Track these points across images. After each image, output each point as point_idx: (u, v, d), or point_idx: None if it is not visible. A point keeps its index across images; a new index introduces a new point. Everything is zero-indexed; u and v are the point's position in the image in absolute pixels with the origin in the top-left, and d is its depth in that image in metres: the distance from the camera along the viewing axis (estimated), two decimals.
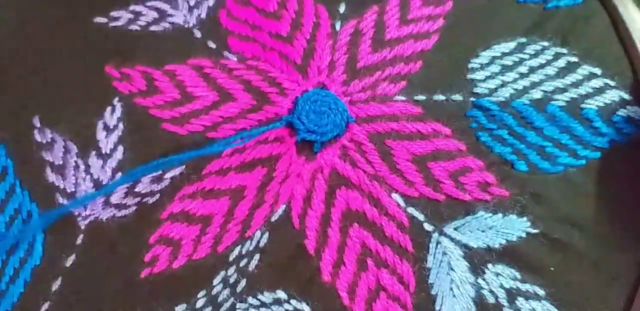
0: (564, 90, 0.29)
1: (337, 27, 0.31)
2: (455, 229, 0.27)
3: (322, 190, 0.28)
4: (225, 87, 0.30)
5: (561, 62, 0.30)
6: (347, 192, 0.28)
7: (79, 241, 0.28)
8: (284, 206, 0.28)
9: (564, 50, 0.30)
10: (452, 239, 0.27)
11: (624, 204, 0.27)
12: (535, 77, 0.29)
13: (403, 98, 0.29)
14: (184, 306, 0.26)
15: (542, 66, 0.29)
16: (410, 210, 0.28)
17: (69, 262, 0.27)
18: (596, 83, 0.29)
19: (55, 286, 0.27)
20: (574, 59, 0.29)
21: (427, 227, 0.27)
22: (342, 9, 0.32)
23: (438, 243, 0.27)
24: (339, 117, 0.28)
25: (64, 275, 0.27)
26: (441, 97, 0.29)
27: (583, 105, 0.29)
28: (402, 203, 0.28)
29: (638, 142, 0.28)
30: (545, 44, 0.30)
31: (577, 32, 0.30)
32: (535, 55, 0.30)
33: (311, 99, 0.29)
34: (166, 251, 0.27)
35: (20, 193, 0.28)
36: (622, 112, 0.29)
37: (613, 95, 0.29)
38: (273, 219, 0.28)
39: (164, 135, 0.29)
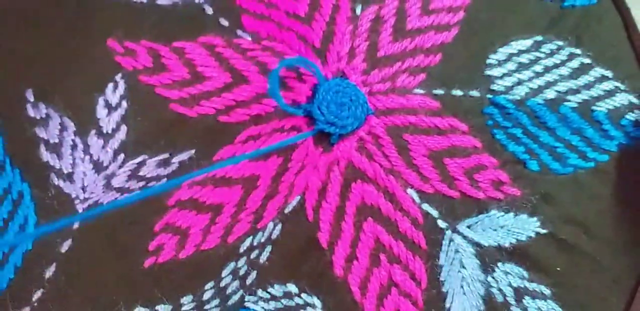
0: (576, 91, 0.29)
1: (358, 11, 0.29)
2: (469, 227, 0.27)
3: (338, 183, 0.27)
4: (239, 69, 0.28)
5: (575, 63, 0.29)
6: (362, 186, 0.27)
7: (75, 225, 0.26)
8: (299, 197, 0.27)
9: (578, 51, 0.29)
10: (464, 237, 0.27)
11: (631, 208, 0.27)
12: (549, 77, 0.29)
13: (422, 91, 0.29)
14: (190, 297, 0.25)
15: (556, 66, 0.29)
16: (425, 206, 0.27)
17: (64, 248, 0.25)
18: (607, 86, 0.29)
19: (49, 273, 0.25)
20: (588, 61, 0.29)
21: (441, 224, 0.27)
22: None
23: (451, 240, 0.27)
24: (360, 109, 0.27)
25: (59, 261, 0.25)
26: (459, 93, 0.28)
27: (594, 108, 0.29)
28: (417, 199, 0.27)
29: None
30: (561, 43, 0.30)
31: (591, 32, 0.30)
32: (551, 54, 0.29)
33: (333, 90, 0.27)
34: (172, 240, 0.26)
35: (11, 172, 0.26)
36: (630, 116, 0.29)
37: (622, 99, 0.29)
38: (286, 211, 0.27)
39: (173, 116, 0.27)
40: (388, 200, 0.27)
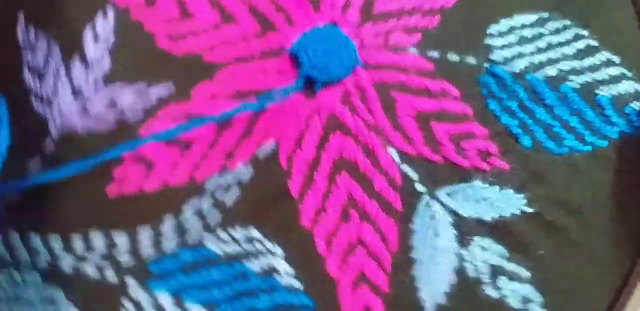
0: (579, 72, 0.27)
1: None
2: (448, 194, 0.26)
3: (316, 133, 0.26)
4: (227, 7, 0.27)
5: (581, 44, 0.28)
6: (341, 138, 0.26)
7: (49, 149, 0.25)
8: (273, 143, 0.26)
9: (585, 33, 0.28)
10: (443, 204, 0.25)
11: (626, 197, 0.26)
12: (552, 54, 0.27)
13: (416, 51, 0.27)
14: (147, 227, 0.24)
15: (561, 44, 0.27)
16: (405, 167, 0.26)
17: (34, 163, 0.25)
18: (613, 71, 0.27)
19: None
20: (594, 43, 0.27)
21: (419, 187, 0.26)
22: None
23: (428, 205, 0.25)
24: (348, 59, 0.26)
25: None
26: (455, 58, 0.27)
27: (597, 91, 0.27)
28: (397, 159, 0.26)
29: None
30: (568, 22, 0.28)
31: (601, 16, 0.28)
32: (556, 32, 0.28)
33: (321, 35, 0.26)
34: (139, 170, 0.25)
35: None
36: (635, 105, 0.27)
37: (628, 87, 0.27)
38: (259, 155, 0.25)
39: (158, 53, 0.26)
40: (366, 156, 0.26)
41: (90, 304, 0.24)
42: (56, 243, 0.24)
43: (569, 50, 0.28)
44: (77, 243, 0.24)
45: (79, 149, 0.25)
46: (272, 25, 0.27)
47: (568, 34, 0.28)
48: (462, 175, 0.26)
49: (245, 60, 0.26)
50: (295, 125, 0.26)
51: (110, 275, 0.24)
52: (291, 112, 0.26)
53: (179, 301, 0.24)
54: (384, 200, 0.25)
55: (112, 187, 0.25)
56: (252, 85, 0.26)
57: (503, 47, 0.28)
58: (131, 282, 0.24)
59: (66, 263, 0.24)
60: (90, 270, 0.24)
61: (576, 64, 0.27)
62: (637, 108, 0.27)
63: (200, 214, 0.25)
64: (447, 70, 0.27)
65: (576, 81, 0.27)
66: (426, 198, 0.25)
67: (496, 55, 0.27)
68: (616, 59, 0.27)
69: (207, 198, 0.25)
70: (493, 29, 0.28)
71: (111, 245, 0.24)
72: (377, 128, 0.26)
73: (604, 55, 0.28)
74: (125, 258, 0.24)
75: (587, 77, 0.27)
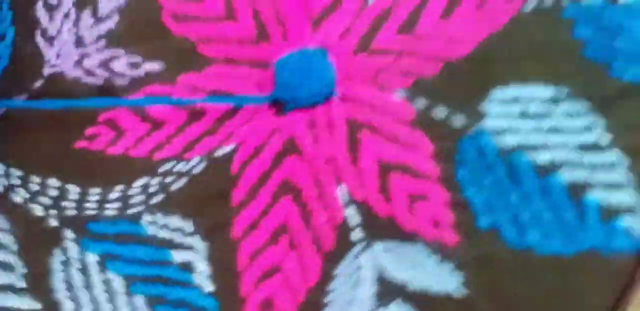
0: (577, 167, 0.23)
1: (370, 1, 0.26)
2: (384, 250, 0.24)
3: (274, 150, 0.25)
4: (235, 3, 0.26)
5: (591, 137, 0.24)
6: (296, 163, 0.25)
7: (36, 84, 0.27)
8: (233, 146, 0.25)
9: (601, 124, 0.23)
10: (374, 258, 0.24)
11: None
12: (553, 139, 0.24)
13: (403, 96, 0.25)
14: (98, 190, 0.25)
15: (567, 131, 0.24)
16: (350, 210, 0.24)
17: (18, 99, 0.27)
18: (616, 176, 0.23)
19: None
20: (607, 139, 0.23)
21: (357, 234, 0.24)
22: None
23: (359, 254, 0.24)
24: (323, 87, 0.25)
25: (9, 111, 0.27)
26: (442, 113, 0.24)
27: (588, 193, 0.23)
28: (344, 199, 0.24)
29: None
30: (586, 108, 0.24)
31: (625, 109, 0.24)
32: (569, 115, 0.24)
33: (306, 58, 0.25)
34: (108, 135, 0.26)
35: (5, 11, 0.27)
36: (626, 220, 0.23)
37: (626, 197, 0.23)
38: (216, 154, 0.25)
39: (159, 27, 0.26)
40: (315, 187, 0.24)
41: (28, 242, 0.25)
42: (16, 175, 0.26)
43: (575, 139, 0.24)
44: (34, 181, 0.26)
45: (62, 93, 0.26)
46: (267, 36, 0.26)
47: (581, 122, 0.24)
48: (405, 235, 0.24)
49: (234, 63, 0.26)
50: (258, 136, 0.25)
51: (53, 221, 0.25)
52: (258, 123, 0.25)
53: (102, 266, 0.24)
54: (318, 235, 0.24)
55: (81, 142, 0.26)
56: (232, 88, 0.26)
57: (500, 116, 0.24)
58: (69, 234, 0.25)
59: (19, 195, 0.26)
60: (37, 209, 0.25)
61: (577, 157, 0.24)
62: (627, 224, 0.23)
63: (146, 192, 0.25)
64: (429, 124, 0.24)
65: (569, 175, 0.23)
66: (360, 246, 0.24)
67: (489, 123, 0.24)
68: (625, 162, 0.23)
69: (157, 179, 0.25)
70: (498, 93, 0.25)
71: (63, 194, 0.25)
72: (334, 163, 0.25)
73: (612, 156, 0.23)
74: (70, 210, 0.25)
75: (584, 175, 0.23)
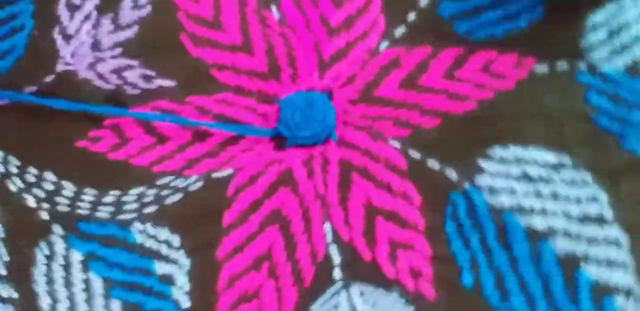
0: (574, 238, 0.23)
1: (382, 47, 0.26)
2: (361, 293, 0.24)
3: (270, 179, 0.25)
4: (252, 36, 0.27)
5: (592, 209, 0.23)
6: (288, 195, 0.25)
7: (47, 79, 0.27)
8: (231, 171, 0.25)
9: (604, 198, 0.23)
10: (350, 300, 0.24)
11: None
12: (551, 206, 0.23)
13: (397, 146, 0.25)
14: (94, 192, 0.25)
15: (567, 200, 0.23)
16: (332, 248, 0.24)
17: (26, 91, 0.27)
18: (614, 254, 0.22)
19: None
20: (608, 214, 0.23)
21: (337, 273, 0.24)
22: (398, 32, 0.27)
23: (336, 294, 0.24)
24: (323, 130, 0.25)
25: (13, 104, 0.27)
26: (435, 166, 0.24)
27: (582, 266, 0.23)
28: (328, 237, 0.24)
29: None
30: (589, 178, 0.23)
31: (633, 184, 0.23)
32: (571, 183, 0.23)
33: (310, 101, 0.25)
34: (112, 140, 0.26)
35: (28, 4, 0.28)
36: (619, 301, 0.22)
37: (622, 277, 0.22)
38: (214, 175, 0.25)
39: (176, 43, 0.27)
40: (302, 220, 0.24)
41: (15, 230, 0.25)
42: (14, 163, 0.26)
43: (575, 210, 0.23)
44: (31, 172, 0.26)
45: (72, 91, 0.27)
46: (277, 74, 0.27)
47: (584, 192, 0.23)
48: (383, 282, 0.24)
49: (243, 93, 0.26)
50: (256, 165, 0.26)
51: (44, 214, 0.25)
52: (258, 153, 0.26)
53: (85, 266, 0.25)
54: (299, 268, 0.24)
55: (83, 142, 0.26)
56: (238, 116, 0.26)
57: (496, 175, 0.24)
58: (57, 229, 0.25)
59: (14, 183, 0.26)
60: (30, 200, 0.26)
61: (575, 228, 0.23)
62: (620, 306, 0.22)
63: (140, 201, 0.25)
64: (420, 176, 0.24)
65: (562, 246, 0.23)
66: (338, 285, 0.24)
67: (483, 181, 0.24)
68: (624, 239, 0.23)
69: (153, 191, 0.25)
70: (496, 151, 0.24)
71: (58, 189, 0.26)
72: (324, 200, 0.25)
73: (612, 231, 0.23)
74: (63, 206, 0.25)
75: (579, 247, 0.23)
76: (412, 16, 0.27)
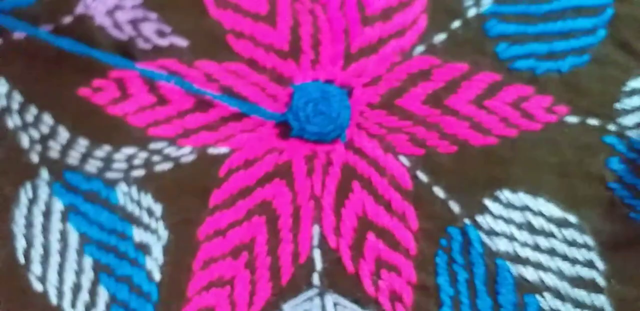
0: (563, 298, 0.22)
1: (416, 51, 0.25)
2: (335, 304, 0.22)
3: (267, 168, 0.24)
4: (278, 7, 0.25)
5: (588, 273, 0.22)
6: (282, 188, 0.23)
7: (65, 20, 0.25)
8: (227, 151, 0.24)
9: (601, 266, 0.22)
10: (323, 308, 0.22)
11: None
12: (545, 260, 0.23)
13: (407, 164, 0.24)
14: (86, 143, 0.24)
15: (564, 258, 0.23)
16: (317, 251, 0.23)
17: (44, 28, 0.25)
18: None
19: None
20: (602, 283, 0.22)
21: (316, 279, 0.23)
22: (438, 38, 0.25)
23: (310, 300, 0.22)
24: (334, 128, 0.23)
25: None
26: (441, 194, 0.23)
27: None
28: (315, 240, 0.23)
29: None
30: (591, 243, 0.23)
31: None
32: (570, 244, 0.23)
33: (328, 93, 0.23)
34: (113, 93, 0.24)
35: None
36: None
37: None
38: (209, 151, 0.24)
39: (199, 2, 0.25)
40: (291, 218, 0.23)
41: (3, 167, 0.24)
42: (17, 99, 0.25)
43: (569, 270, 0.22)
44: (31, 112, 0.25)
45: (85, 36, 0.25)
46: (297, 56, 0.24)
47: (581, 255, 0.22)
48: (361, 298, 0.22)
49: (256, 68, 0.24)
50: (255, 149, 0.24)
51: (34, 156, 0.24)
52: (260, 136, 0.24)
53: (64, 217, 0.24)
54: (278, 265, 0.23)
55: (85, 90, 0.25)
56: (246, 92, 0.24)
57: (499, 218, 0.23)
58: (44, 174, 0.24)
59: (13, 120, 0.25)
60: (25, 140, 0.24)
61: (565, 288, 0.22)
62: None
63: (130, 162, 0.24)
64: (423, 201, 0.23)
65: (549, 303, 0.22)
66: (314, 292, 0.23)
67: (484, 219, 0.23)
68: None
69: (144, 154, 0.24)
70: (505, 195, 0.23)
71: (52, 133, 0.24)
72: (318, 202, 0.23)
73: (600, 301, 0.22)
74: (54, 152, 0.24)
75: (565, 308, 0.22)
76: (456, 24, 0.25)
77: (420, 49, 0.25)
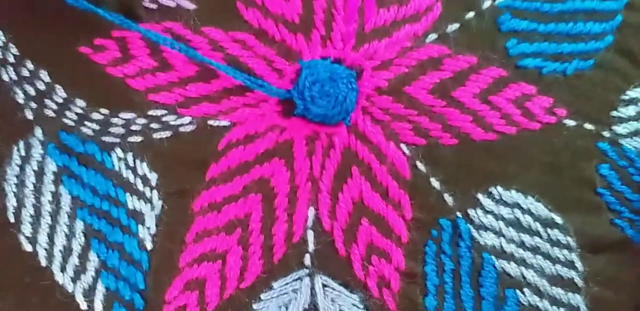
0: (542, 295, 0.23)
1: (429, 38, 0.24)
2: (324, 285, 0.23)
3: (267, 145, 0.23)
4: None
5: (567, 273, 0.23)
6: (281, 167, 0.23)
7: None
8: (229, 124, 0.23)
9: (579, 266, 0.23)
10: (312, 288, 0.23)
11: None
12: (529, 257, 0.23)
13: (407, 152, 0.24)
14: (83, 104, 0.23)
15: (546, 257, 0.23)
16: (310, 233, 0.23)
17: None
18: None
19: None
20: (580, 283, 0.23)
21: (307, 260, 0.23)
22: (451, 28, 0.25)
23: (299, 279, 0.23)
24: (341, 112, 0.23)
25: None
26: (437, 186, 0.24)
27: None
28: (310, 221, 0.23)
29: None
30: (574, 244, 0.23)
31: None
32: (555, 244, 0.23)
33: (337, 73, 0.23)
34: (114, 53, 0.24)
35: None
36: None
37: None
38: (210, 122, 0.23)
39: None
40: (288, 197, 0.23)
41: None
42: (12, 52, 0.24)
43: (549, 269, 0.23)
44: (27, 66, 0.23)
45: None
46: (308, 30, 0.24)
47: (563, 255, 0.23)
48: (350, 282, 0.23)
49: (265, 39, 0.24)
50: (256, 124, 0.23)
51: (29, 113, 0.23)
52: (262, 112, 0.24)
53: (58, 179, 0.23)
54: (271, 244, 0.23)
55: (85, 48, 0.24)
56: (251, 64, 0.24)
57: (490, 213, 0.23)
58: (38, 133, 0.23)
59: (8, 74, 0.23)
60: (19, 95, 0.23)
61: (544, 285, 0.23)
62: None
63: (127, 127, 0.23)
64: (419, 191, 0.23)
65: (528, 298, 0.23)
66: (305, 271, 0.23)
67: (476, 213, 0.23)
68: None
69: (143, 120, 0.23)
70: (498, 191, 0.24)
71: (49, 90, 0.23)
72: (315, 183, 0.23)
73: (576, 300, 0.23)
74: (49, 110, 0.23)
75: (543, 304, 0.23)
76: (470, 15, 0.25)
77: (432, 36, 0.24)
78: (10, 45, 0.24)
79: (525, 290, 0.23)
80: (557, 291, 0.23)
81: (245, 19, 0.24)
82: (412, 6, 0.24)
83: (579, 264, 0.23)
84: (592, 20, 0.25)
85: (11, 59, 0.23)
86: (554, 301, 0.23)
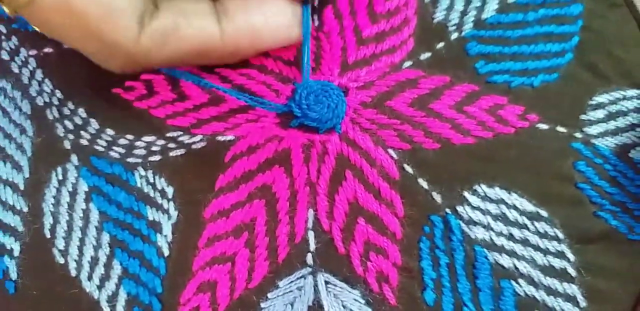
0: (537, 285, 0.23)
1: (405, 65, 0.26)
2: (326, 282, 0.23)
3: (267, 155, 0.24)
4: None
5: (558, 262, 0.23)
6: (281, 174, 0.24)
7: None
8: (233, 138, 0.24)
9: (571, 257, 0.24)
10: (315, 286, 0.23)
11: None
12: (520, 250, 0.24)
13: (394, 156, 0.24)
14: (112, 133, 0.25)
15: (536, 249, 0.24)
16: (310, 233, 0.23)
17: None
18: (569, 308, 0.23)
19: None
20: (573, 272, 0.23)
21: (309, 259, 0.23)
22: (424, 56, 0.27)
23: (303, 277, 0.23)
24: (333, 118, 0.24)
25: None
26: (424, 185, 0.24)
27: None
28: (309, 222, 0.23)
29: None
30: (562, 236, 0.24)
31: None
32: (542, 236, 0.24)
33: (325, 87, 0.24)
34: (142, 91, 0.26)
35: None
36: None
37: None
38: (218, 138, 0.24)
39: None
40: (289, 201, 0.24)
41: (40, 151, 0.25)
42: (57, 96, 0.26)
43: (540, 259, 0.23)
44: (68, 107, 0.26)
45: None
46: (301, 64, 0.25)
47: (552, 246, 0.23)
48: (351, 278, 0.23)
49: (265, 71, 0.26)
50: (257, 136, 0.24)
51: (67, 143, 0.25)
52: (262, 125, 0.25)
53: (88, 197, 0.24)
54: (275, 245, 0.23)
55: (118, 89, 0.26)
56: (254, 89, 0.25)
57: (477, 209, 0.23)
58: (74, 159, 0.25)
59: (53, 113, 0.26)
60: (60, 129, 0.25)
61: (538, 275, 0.23)
62: None
63: (149, 149, 0.24)
64: (409, 190, 0.24)
65: (524, 288, 0.22)
66: (307, 270, 0.23)
67: (464, 210, 0.23)
68: (582, 301, 0.23)
69: (162, 142, 0.25)
70: (483, 188, 0.24)
71: (84, 124, 0.25)
72: (313, 187, 0.24)
73: (571, 289, 0.23)
74: (84, 140, 0.25)
75: (538, 294, 0.23)
76: (440, 45, 0.26)
77: (408, 63, 0.25)
78: (57, 91, 0.26)
79: (520, 280, 0.22)
80: (552, 282, 0.22)
81: (250, 62, 0.26)
82: (388, 42, 0.26)
83: (570, 254, 0.23)
84: (551, 42, 0.26)
85: (56, 102, 0.25)
86: (550, 291, 0.22)
